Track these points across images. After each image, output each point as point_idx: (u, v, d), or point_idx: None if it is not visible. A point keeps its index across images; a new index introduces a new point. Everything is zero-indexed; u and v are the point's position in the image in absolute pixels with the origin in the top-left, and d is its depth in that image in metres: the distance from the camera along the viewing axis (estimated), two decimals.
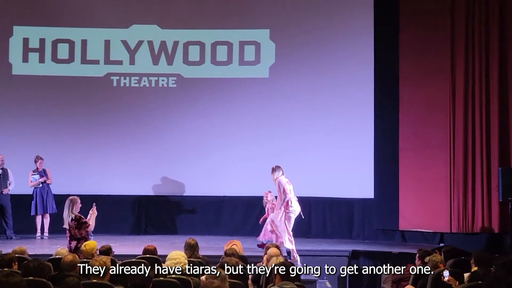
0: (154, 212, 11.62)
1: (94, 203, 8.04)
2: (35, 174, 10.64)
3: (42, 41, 11.43)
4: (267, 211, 9.77)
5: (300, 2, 11.46)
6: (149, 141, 11.47)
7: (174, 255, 5.39)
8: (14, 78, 11.50)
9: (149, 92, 11.53)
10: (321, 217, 11.40)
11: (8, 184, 10.66)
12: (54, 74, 11.51)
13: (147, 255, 6.36)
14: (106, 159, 11.37)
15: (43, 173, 10.71)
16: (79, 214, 7.84)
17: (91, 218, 7.84)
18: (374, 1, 11.13)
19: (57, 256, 6.05)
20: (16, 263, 5.48)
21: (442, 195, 10.30)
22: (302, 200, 10.90)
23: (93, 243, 6.28)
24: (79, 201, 7.88)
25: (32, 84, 11.50)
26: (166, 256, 5.60)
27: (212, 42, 11.47)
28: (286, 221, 8.80)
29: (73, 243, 7.63)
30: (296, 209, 8.97)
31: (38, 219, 10.72)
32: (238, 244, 6.70)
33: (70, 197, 7.94)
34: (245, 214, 11.49)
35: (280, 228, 8.70)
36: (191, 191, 11.49)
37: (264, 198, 9.93)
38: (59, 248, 6.81)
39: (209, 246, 9.08)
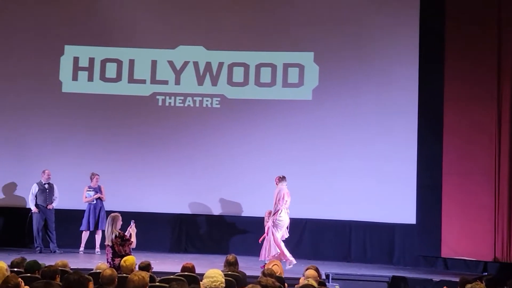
0: (195, 231, 11.69)
1: (133, 220, 8.12)
2: (90, 190, 10.77)
3: (91, 60, 11.70)
4: (267, 231, 9.78)
5: (344, 26, 11.44)
6: (192, 160, 11.53)
7: (211, 273, 5.32)
8: (64, 95, 11.73)
9: (193, 112, 11.65)
10: (361, 241, 11.29)
11: (53, 200, 10.86)
12: (102, 93, 11.74)
13: (185, 273, 6.37)
14: (148, 177, 11.45)
15: (98, 190, 10.83)
16: (122, 231, 7.93)
17: (132, 235, 7.95)
18: (420, 24, 11.04)
19: (97, 271, 6.13)
20: (59, 275, 5.55)
21: (486, 222, 10.05)
22: (342, 224, 11.03)
23: (132, 259, 6.29)
24: (120, 218, 7.96)
25: (80, 102, 11.71)
26: (204, 274, 5.54)
27: (256, 64, 11.58)
28: (273, 229, 9.41)
29: (117, 260, 7.60)
30: (284, 219, 9.57)
31: (85, 234, 10.83)
32: (279, 265, 6.65)
33: (112, 214, 8.01)
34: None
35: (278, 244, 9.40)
36: (232, 210, 11.49)
37: (266, 217, 9.93)
38: (100, 263, 6.91)
39: (247, 266, 8.99)
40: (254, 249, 10.82)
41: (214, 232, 11.52)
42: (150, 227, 11.12)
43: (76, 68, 11.73)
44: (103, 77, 11.77)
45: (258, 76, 11.60)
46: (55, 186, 10.91)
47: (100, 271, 5.57)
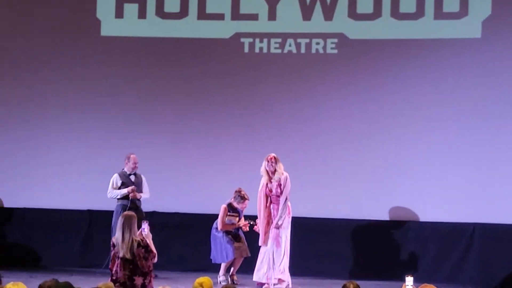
0: None
1: (145, 221, 6.41)
2: (233, 215, 8.42)
3: None
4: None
5: None
6: (299, 133, 9.40)
7: None
8: (103, 40, 9.74)
9: (297, 61, 9.53)
10: None
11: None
12: (159, 36, 9.70)
13: None
14: (236, 159, 9.28)
15: (241, 213, 8.54)
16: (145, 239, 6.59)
17: (149, 242, 6.50)
18: None
19: None
20: None
21: None
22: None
23: (208, 281, 5.36)
24: (136, 219, 6.45)
25: (127, 49, 9.71)
26: None
27: None
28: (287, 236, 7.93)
29: (139, 280, 6.35)
30: None
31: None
32: None
33: (125, 213, 6.60)
34: (442, 248, 8.77)
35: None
36: (355, 213, 8.93)
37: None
38: None
39: None
40: None
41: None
42: None
43: (121, 0, 9.79)
44: (160, 12, 9.71)
45: (396, 4, 9.30)
46: (143, 178, 8.84)
47: None
